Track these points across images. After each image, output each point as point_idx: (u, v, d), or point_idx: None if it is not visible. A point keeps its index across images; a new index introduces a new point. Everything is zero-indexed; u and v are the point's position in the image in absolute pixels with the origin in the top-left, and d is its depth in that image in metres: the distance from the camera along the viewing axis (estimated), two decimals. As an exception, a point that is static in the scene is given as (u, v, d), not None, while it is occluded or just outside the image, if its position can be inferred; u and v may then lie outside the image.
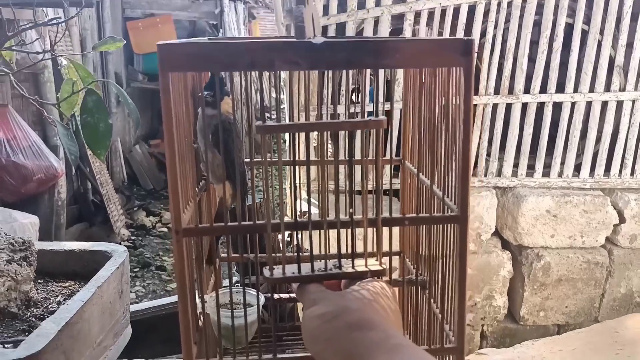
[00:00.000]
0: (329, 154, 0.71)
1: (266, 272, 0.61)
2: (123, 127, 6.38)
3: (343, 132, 0.66)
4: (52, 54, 0.95)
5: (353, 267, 0.62)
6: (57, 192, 5.27)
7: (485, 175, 3.25)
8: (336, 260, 0.62)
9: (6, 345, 0.84)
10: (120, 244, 5.48)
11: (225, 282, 1.10)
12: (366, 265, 0.62)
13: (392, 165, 0.96)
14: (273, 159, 0.98)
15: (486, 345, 3.33)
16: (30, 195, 4.92)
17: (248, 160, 0.87)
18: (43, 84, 4.92)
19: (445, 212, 0.69)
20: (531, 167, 3.26)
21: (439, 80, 0.75)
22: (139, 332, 1.27)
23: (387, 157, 0.99)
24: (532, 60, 3.14)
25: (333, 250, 0.63)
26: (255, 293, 0.81)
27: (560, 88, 3.13)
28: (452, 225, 0.68)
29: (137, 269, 5.06)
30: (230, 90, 0.75)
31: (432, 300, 0.79)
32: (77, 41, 5.42)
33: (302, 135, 1.11)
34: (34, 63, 0.88)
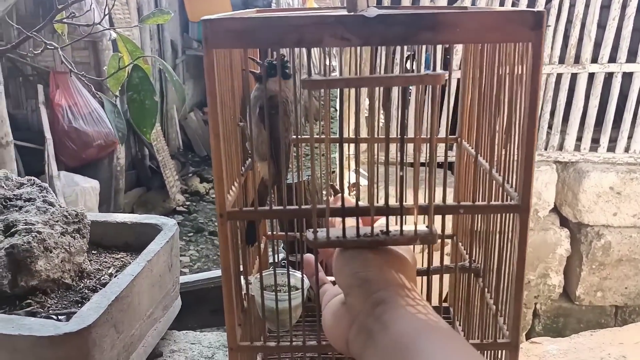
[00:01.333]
0: (380, 127, 0.67)
1: (309, 234, 0.58)
2: (179, 94, 6.46)
3: (395, 103, 0.61)
4: (102, 26, 0.94)
5: (401, 232, 0.57)
6: (116, 157, 5.43)
7: (546, 149, 3.13)
8: (383, 224, 0.58)
9: (60, 317, 0.85)
10: (175, 209, 5.62)
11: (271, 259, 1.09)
12: (415, 232, 0.57)
13: (447, 143, 0.91)
14: (320, 136, 0.95)
15: (538, 324, 3.25)
16: (91, 160, 5.09)
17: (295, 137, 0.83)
18: (101, 51, 5.02)
19: (505, 199, 0.65)
20: (595, 141, 3.11)
21: (503, 52, 0.70)
22: (190, 302, 1.28)
23: (442, 131, 0.94)
24: (601, 27, 2.97)
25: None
26: (300, 275, 0.79)
27: (632, 57, 2.95)
28: (512, 214, 0.64)
29: (191, 234, 5.19)
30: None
31: (486, 290, 0.75)
32: (134, 9, 5.49)
33: (352, 107, 1.07)
34: (84, 36, 0.87)
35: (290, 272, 0.80)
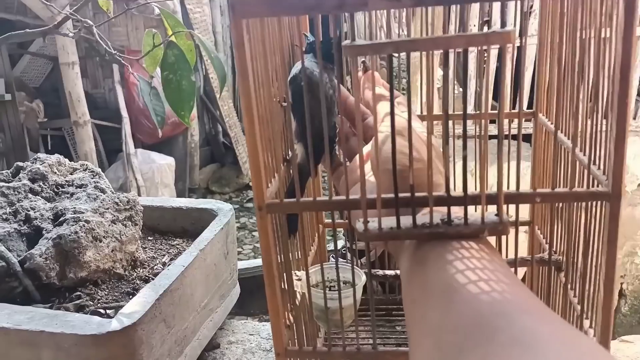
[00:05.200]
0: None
1: (359, 225, 0.50)
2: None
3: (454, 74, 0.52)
4: (147, 2, 0.89)
5: (466, 222, 0.48)
6: (190, 134, 5.52)
7: (634, 119, 2.87)
8: (444, 212, 0.49)
9: (108, 311, 0.82)
10: (248, 184, 5.67)
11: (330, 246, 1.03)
12: (483, 221, 0.48)
13: (521, 119, 0.80)
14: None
15: (624, 304, 3.04)
16: (166, 137, 5.20)
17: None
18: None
19: (591, 185, 0.54)
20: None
21: (586, 11, 0.58)
22: (251, 287, 1.25)
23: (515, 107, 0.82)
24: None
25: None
26: (358, 271, 0.71)
27: None
28: (600, 202, 0.54)
29: (264, 210, 5.21)
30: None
31: (569, 287, 0.65)
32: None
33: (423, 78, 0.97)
34: (123, 11, 0.82)
35: (345, 266, 0.73)
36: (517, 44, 0.62)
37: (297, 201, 0.55)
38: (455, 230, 0.46)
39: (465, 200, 0.50)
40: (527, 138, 0.88)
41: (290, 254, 0.66)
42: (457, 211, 0.48)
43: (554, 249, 0.71)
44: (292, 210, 0.56)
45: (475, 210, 0.50)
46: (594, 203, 0.57)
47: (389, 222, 0.49)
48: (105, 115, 5.05)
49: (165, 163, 5.06)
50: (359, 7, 0.46)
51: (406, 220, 0.48)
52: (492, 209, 0.48)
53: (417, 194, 0.50)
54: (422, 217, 0.49)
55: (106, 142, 5.09)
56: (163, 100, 0.74)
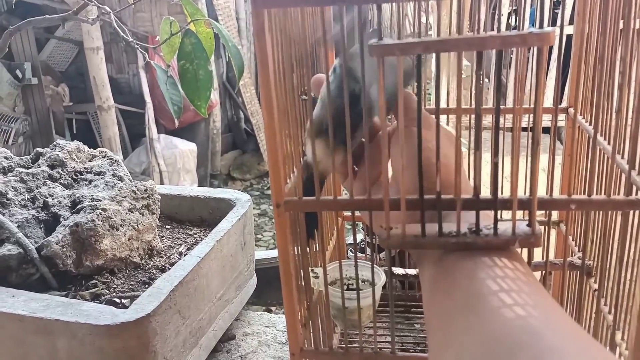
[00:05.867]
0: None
1: (381, 232, 0.48)
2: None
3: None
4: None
5: (495, 232, 0.46)
6: (212, 121, 5.53)
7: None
8: (472, 222, 0.47)
9: (123, 301, 0.81)
10: (268, 172, 5.68)
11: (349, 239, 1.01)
12: (513, 232, 0.46)
13: (557, 115, 0.76)
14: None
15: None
16: (188, 123, 5.21)
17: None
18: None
19: (632, 193, 0.51)
20: None
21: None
22: (269, 278, 1.23)
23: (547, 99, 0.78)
24: None
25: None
26: (377, 270, 0.69)
27: None
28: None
29: (284, 197, 5.20)
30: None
31: (600, 296, 0.62)
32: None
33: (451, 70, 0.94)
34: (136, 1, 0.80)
35: (364, 264, 0.71)
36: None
37: (317, 199, 0.53)
38: (484, 240, 0.43)
39: (496, 204, 0.47)
40: (544, 131, 0.84)
41: (308, 248, 0.64)
42: (484, 219, 0.46)
43: (586, 254, 0.67)
44: (311, 209, 0.54)
45: (501, 217, 0.47)
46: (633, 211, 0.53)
47: (412, 229, 0.47)
48: (129, 100, 5.07)
49: (187, 149, 5.08)
50: (386, -4, 0.44)
51: (431, 228, 0.45)
52: (514, 211, 0.46)
53: (443, 197, 0.48)
54: (448, 224, 0.46)
55: (130, 126, 5.12)
56: (180, 89, 0.72)
